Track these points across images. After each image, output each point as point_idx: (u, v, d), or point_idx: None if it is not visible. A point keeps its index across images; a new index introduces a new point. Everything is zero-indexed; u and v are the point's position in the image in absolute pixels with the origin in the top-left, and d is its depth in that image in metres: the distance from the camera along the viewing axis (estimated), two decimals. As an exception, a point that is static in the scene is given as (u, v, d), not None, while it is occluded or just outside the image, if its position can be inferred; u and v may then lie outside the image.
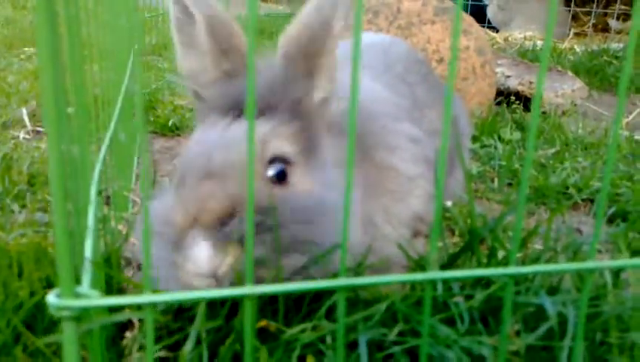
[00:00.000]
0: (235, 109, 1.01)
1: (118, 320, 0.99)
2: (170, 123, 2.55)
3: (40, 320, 0.96)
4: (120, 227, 1.33)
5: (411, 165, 1.20)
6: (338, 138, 1.09)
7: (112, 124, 1.34)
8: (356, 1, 0.62)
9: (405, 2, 2.68)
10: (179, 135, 2.53)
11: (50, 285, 1.03)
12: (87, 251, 0.71)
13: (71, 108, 0.86)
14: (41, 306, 0.96)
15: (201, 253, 0.86)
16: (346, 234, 0.67)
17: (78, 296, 0.60)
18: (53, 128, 0.57)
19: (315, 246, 0.91)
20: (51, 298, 0.59)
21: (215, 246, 0.87)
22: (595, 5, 5.83)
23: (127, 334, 1.01)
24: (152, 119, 2.58)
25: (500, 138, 2.48)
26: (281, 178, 0.97)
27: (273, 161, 0.98)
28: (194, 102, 1.10)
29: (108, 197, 1.28)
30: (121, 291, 1.04)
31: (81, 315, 0.61)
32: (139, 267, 1.23)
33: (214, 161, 0.93)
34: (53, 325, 0.95)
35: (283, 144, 0.99)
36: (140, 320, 0.99)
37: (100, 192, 0.94)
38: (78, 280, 0.65)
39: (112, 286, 1.03)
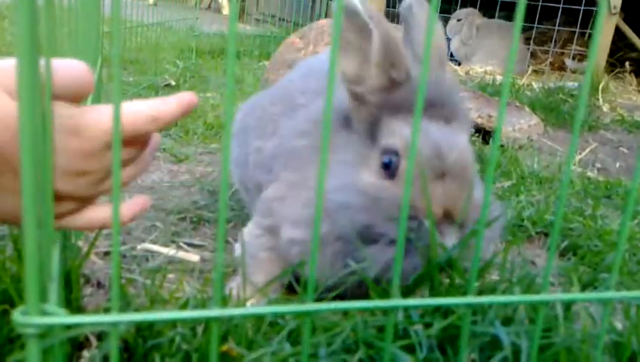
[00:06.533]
0: (425, 111, 1.11)
1: (76, 337, 0.98)
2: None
3: (-5, 336, 0.94)
4: (80, 243, 1.32)
5: None
6: None
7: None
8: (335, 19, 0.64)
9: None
10: (141, 150, 2.51)
11: (6, 300, 1.01)
12: (54, 268, 0.70)
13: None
14: (-3, 321, 0.94)
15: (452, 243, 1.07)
16: (316, 249, 0.68)
17: (44, 313, 0.60)
18: (27, 139, 0.57)
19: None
20: (17, 315, 0.59)
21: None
22: (552, 45, 6.06)
23: (85, 353, 0.99)
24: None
25: (459, 169, 2.55)
26: None
27: None
28: (353, 104, 1.23)
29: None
30: (79, 309, 1.03)
31: (45, 333, 0.61)
32: (98, 285, 1.21)
33: (459, 164, 1.12)
34: (9, 342, 0.93)
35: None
36: (99, 339, 0.98)
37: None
38: (43, 297, 0.65)
39: (71, 304, 1.02)
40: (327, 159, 0.69)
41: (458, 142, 1.15)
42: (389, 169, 1.15)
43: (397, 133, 1.16)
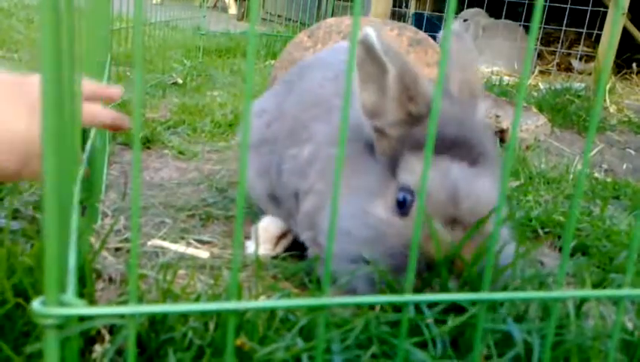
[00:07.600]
0: (449, 150, 1.13)
1: (88, 331, 0.98)
2: (140, 135, 2.54)
3: (10, 330, 0.94)
4: (92, 239, 1.32)
5: None
6: None
7: (93, 132, 1.34)
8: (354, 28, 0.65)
9: (382, 32, 2.74)
10: (149, 148, 2.52)
11: (20, 294, 1.02)
12: (72, 260, 0.71)
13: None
14: (11, 315, 0.94)
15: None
16: (331, 245, 0.69)
17: (63, 304, 0.60)
18: (51, 139, 0.58)
19: None
20: (36, 305, 0.59)
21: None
22: (559, 46, 6.05)
23: (97, 347, 1.00)
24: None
25: (466, 168, 2.54)
26: None
27: None
28: (375, 136, 1.22)
29: (84, 207, 1.28)
30: (92, 303, 1.04)
31: (63, 324, 0.61)
32: (110, 280, 1.22)
33: (474, 214, 1.09)
34: (23, 335, 0.93)
35: None
36: (112, 333, 0.99)
37: (81, 201, 0.94)
38: (61, 288, 0.65)
39: (84, 298, 1.02)
40: (340, 190, 0.69)
41: (478, 188, 1.11)
42: (403, 206, 1.14)
43: (414, 171, 1.15)
